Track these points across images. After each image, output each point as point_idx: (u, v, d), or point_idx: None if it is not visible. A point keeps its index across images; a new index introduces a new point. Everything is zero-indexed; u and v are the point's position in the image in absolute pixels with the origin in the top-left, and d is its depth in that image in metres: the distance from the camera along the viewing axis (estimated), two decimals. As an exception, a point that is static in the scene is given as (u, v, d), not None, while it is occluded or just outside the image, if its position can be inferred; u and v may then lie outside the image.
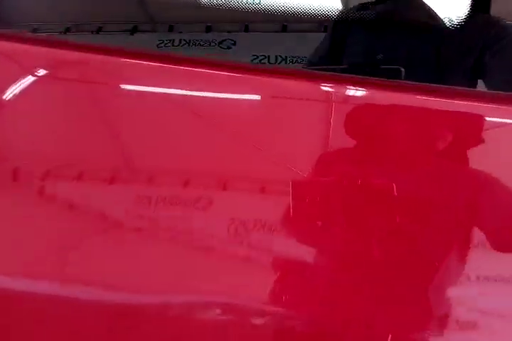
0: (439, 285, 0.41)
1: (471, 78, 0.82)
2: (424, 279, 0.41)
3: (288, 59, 1.29)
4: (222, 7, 0.80)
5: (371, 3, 0.82)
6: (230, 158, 0.48)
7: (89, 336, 0.38)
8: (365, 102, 0.52)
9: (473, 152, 0.47)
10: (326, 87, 0.54)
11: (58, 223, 0.42)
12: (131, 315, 0.38)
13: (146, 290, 0.39)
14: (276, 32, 1.34)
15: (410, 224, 0.42)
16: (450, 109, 0.50)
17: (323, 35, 0.93)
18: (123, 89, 0.53)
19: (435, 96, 0.49)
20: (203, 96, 0.52)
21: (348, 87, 0.52)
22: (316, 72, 0.57)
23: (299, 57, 1.16)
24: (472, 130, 0.49)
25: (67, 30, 1.24)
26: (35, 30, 1.22)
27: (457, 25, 0.72)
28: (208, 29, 1.37)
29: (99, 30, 1.28)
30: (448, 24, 0.73)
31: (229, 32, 1.37)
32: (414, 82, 0.51)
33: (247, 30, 1.37)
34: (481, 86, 0.80)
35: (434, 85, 0.52)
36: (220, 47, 1.36)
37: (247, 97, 0.54)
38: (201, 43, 1.37)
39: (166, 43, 1.31)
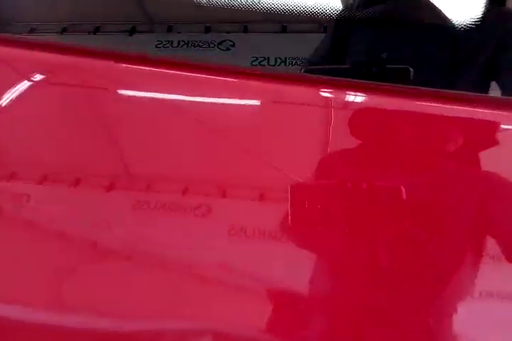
0: (449, 300, 0.38)
1: (484, 78, 0.78)
2: (435, 293, 0.38)
3: (288, 61, 1.28)
4: (221, 6, 0.79)
5: (373, 1, 0.79)
6: (229, 164, 0.48)
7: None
8: (370, 106, 0.51)
9: (485, 155, 0.45)
10: (326, 93, 0.54)
11: (49, 250, 0.42)
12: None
13: (139, 317, 0.38)
14: (275, 33, 1.33)
15: (421, 232, 0.40)
16: (458, 115, 0.49)
17: (323, 35, 0.92)
18: (121, 94, 0.52)
19: (442, 103, 0.48)
20: (202, 102, 0.52)
21: (350, 92, 0.51)
22: (317, 76, 0.55)
23: (298, 59, 1.16)
24: (483, 132, 0.48)
25: (65, 30, 1.23)
26: (32, 30, 1.21)
27: (472, 20, 0.68)
28: (207, 29, 1.37)
29: (96, 31, 1.28)
30: (462, 20, 0.69)
31: (228, 32, 1.36)
32: (417, 87, 0.50)
33: (246, 30, 1.37)
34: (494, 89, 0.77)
35: (441, 90, 0.51)
36: (219, 48, 1.35)
37: (246, 103, 0.53)
38: (200, 44, 1.36)
39: (165, 44, 1.30)
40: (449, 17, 0.71)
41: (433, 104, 0.48)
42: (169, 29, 1.37)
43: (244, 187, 0.46)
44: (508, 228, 0.41)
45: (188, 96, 0.51)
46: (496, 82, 0.78)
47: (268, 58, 1.29)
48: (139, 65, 0.51)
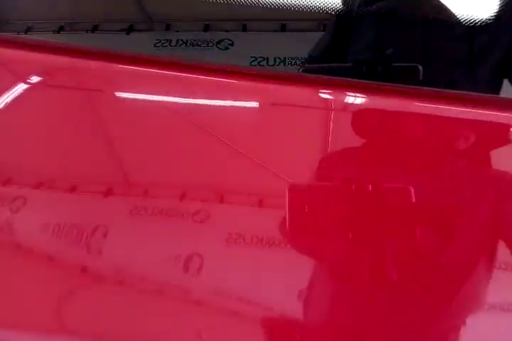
0: (460, 311, 0.35)
1: (497, 76, 0.73)
2: (446, 305, 0.35)
3: (287, 61, 1.27)
4: (220, 2, 0.78)
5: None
6: (228, 168, 0.47)
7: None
8: (376, 108, 0.50)
9: (496, 155, 0.42)
10: (325, 94, 0.53)
11: (43, 272, 0.41)
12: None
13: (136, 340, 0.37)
14: (275, 31, 1.32)
15: (433, 238, 0.36)
16: (467, 117, 0.47)
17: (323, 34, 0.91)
18: (117, 97, 0.52)
19: (449, 104, 0.46)
20: (200, 105, 0.51)
21: (353, 92, 0.50)
22: (316, 76, 0.54)
23: (298, 59, 1.15)
24: (493, 134, 0.45)
25: (62, 28, 1.22)
26: (29, 29, 1.20)
27: (486, 16, 0.64)
28: (206, 28, 1.36)
29: (94, 29, 1.26)
30: (473, 15, 0.64)
31: (227, 31, 1.35)
32: (422, 87, 0.48)
33: (245, 29, 1.36)
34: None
35: (448, 91, 0.48)
36: (218, 47, 1.34)
37: (244, 105, 0.53)
38: (199, 43, 1.35)
39: (163, 43, 1.29)
40: (459, 13, 0.67)
41: (441, 106, 0.47)
42: (167, 27, 1.36)
43: (243, 193, 0.45)
44: None
45: (184, 97, 0.50)
46: (509, 80, 0.74)
47: (267, 58, 1.28)
48: (135, 66, 0.50)
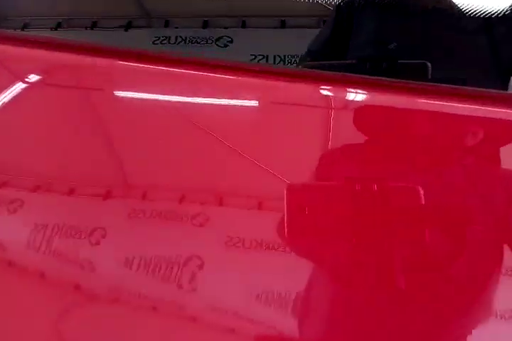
0: (473, 320, 0.33)
1: (506, 73, 0.67)
2: (460, 314, 0.33)
3: (287, 59, 1.26)
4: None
5: None
6: (228, 170, 0.46)
7: None
8: (381, 105, 0.48)
9: (506, 152, 0.39)
10: (328, 91, 0.52)
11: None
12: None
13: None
14: (274, 28, 1.31)
15: (443, 242, 0.34)
16: (476, 114, 0.45)
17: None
18: (118, 96, 0.51)
19: (457, 102, 0.43)
20: (200, 103, 0.50)
21: (354, 89, 0.48)
22: (318, 72, 0.51)
23: (297, 57, 1.14)
24: (502, 130, 0.42)
25: (59, 25, 1.21)
26: (26, 26, 1.19)
27: (500, 7, 0.58)
28: (205, 24, 1.35)
29: (93, 26, 1.25)
30: (486, 7, 0.59)
31: (226, 28, 1.34)
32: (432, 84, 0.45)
33: (244, 25, 1.35)
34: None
35: (458, 87, 0.45)
36: (217, 45, 1.33)
37: (244, 104, 0.52)
38: (198, 41, 1.34)
39: (162, 40, 1.28)
40: (468, 3, 0.62)
41: (449, 103, 0.45)
42: (166, 24, 1.35)
43: (243, 195, 0.44)
44: None
45: (187, 96, 0.50)
46: None
47: (267, 56, 1.27)
48: (136, 62, 0.49)
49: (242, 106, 0.52)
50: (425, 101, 0.46)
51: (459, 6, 0.63)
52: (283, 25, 1.38)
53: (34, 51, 0.51)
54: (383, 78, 0.48)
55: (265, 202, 0.43)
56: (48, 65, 0.51)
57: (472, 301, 0.34)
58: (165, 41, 1.29)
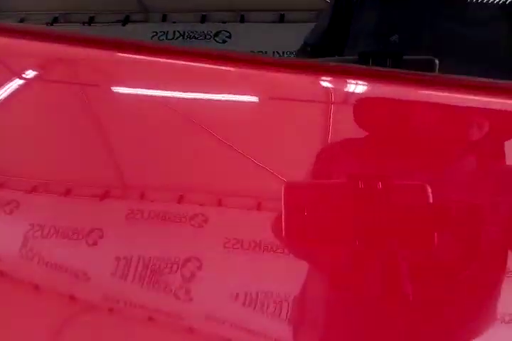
0: (481, 327, 0.31)
1: None
2: (469, 321, 0.31)
3: (286, 55, 1.25)
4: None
5: None
6: (227, 169, 0.46)
7: None
8: (382, 96, 0.46)
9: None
10: (329, 82, 0.51)
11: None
12: None
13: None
14: (273, 22, 1.30)
15: (452, 245, 0.32)
16: (484, 106, 0.43)
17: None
18: (115, 93, 0.50)
19: (463, 93, 0.41)
20: (198, 99, 0.49)
21: (354, 80, 0.46)
22: (319, 62, 0.50)
23: (296, 53, 1.13)
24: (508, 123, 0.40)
25: (55, 20, 1.19)
26: (21, 21, 1.17)
27: None
28: (203, 19, 1.33)
29: (90, 21, 1.24)
30: None
31: (224, 22, 1.33)
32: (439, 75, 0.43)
33: (242, 20, 1.33)
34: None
35: (465, 78, 0.43)
36: (216, 40, 1.32)
37: (243, 99, 0.51)
38: (196, 36, 1.33)
39: (160, 35, 1.27)
40: None
41: (455, 95, 0.43)
42: (164, 18, 1.33)
43: (241, 195, 0.44)
44: None
45: (186, 91, 0.49)
46: None
47: (265, 52, 1.26)
48: (135, 54, 0.47)
49: (241, 101, 0.51)
50: (429, 92, 0.45)
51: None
52: (282, 19, 1.36)
53: (30, 43, 0.50)
54: (385, 69, 0.46)
55: (264, 203, 0.42)
56: (42, 59, 0.50)
57: (482, 306, 0.32)
58: (163, 36, 1.28)
